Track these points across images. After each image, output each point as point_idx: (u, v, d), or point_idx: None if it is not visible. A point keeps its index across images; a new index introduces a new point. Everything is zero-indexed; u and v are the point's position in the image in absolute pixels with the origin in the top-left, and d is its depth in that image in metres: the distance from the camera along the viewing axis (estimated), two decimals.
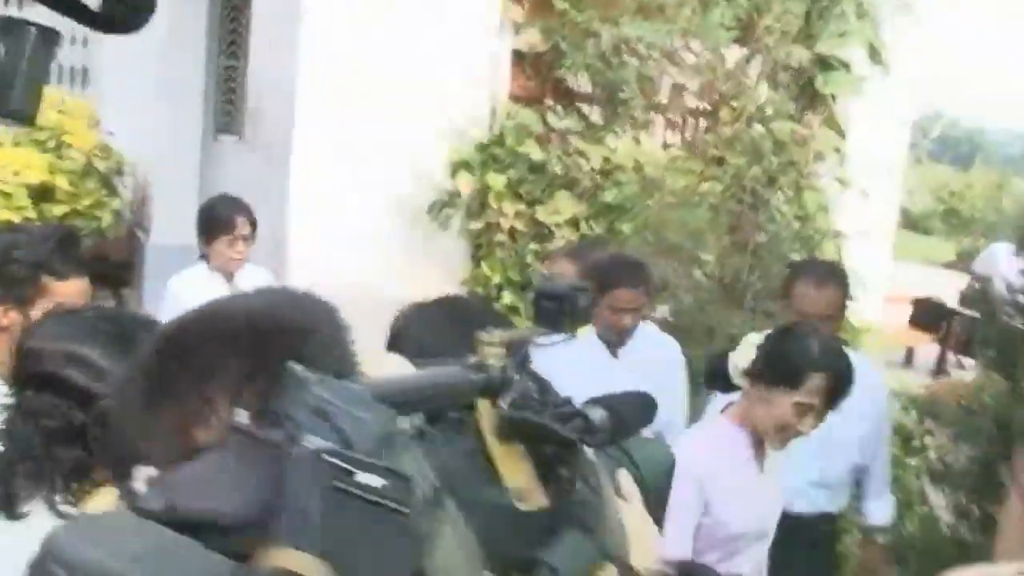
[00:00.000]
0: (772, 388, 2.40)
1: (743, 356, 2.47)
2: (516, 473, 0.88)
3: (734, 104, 6.54)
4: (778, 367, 2.40)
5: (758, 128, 6.37)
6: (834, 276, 3.14)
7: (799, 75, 6.76)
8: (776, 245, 5.71)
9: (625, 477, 1.11)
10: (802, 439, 2.61)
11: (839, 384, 2.41)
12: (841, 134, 6.89)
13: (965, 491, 4.59)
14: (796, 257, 5.95)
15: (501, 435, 0.90)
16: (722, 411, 2.65)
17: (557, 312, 1.10)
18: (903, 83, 7.75)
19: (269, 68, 7.02)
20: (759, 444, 2.56)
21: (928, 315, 9.30)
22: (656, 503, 1.17)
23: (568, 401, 1.01)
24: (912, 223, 20.65)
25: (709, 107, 6.77)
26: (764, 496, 2.61)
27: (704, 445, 2.56)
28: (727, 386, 2.57)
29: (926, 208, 22.44)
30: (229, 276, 4.11)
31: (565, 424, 0.96)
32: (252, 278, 4.05)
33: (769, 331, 2.53)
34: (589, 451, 0.96)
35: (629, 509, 1.05)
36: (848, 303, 3.31)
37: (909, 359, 10.08)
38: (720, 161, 6.15)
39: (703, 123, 6.85)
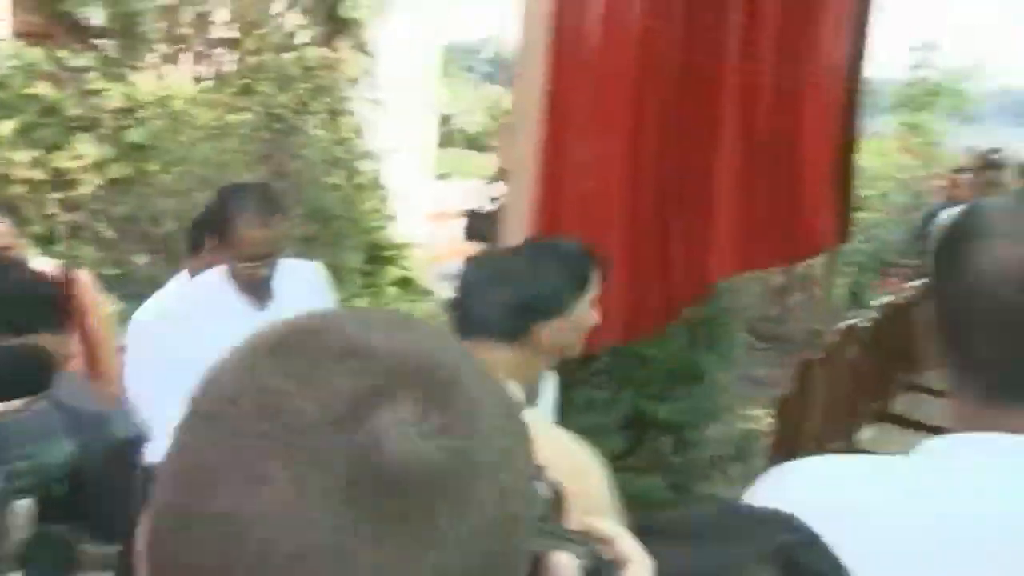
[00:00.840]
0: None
1: None
2: None
3: (261, 32, 6.45)
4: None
5: (287, 55, 6.34)
6: (275, 206, 2.72)
7: (324, 1, 6.80)
8: (312, 170, 5.75)
9: None
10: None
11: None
12: (371, 57, 7.04)
13: None
14: (335, 180, 6.05)
15: None
16: None
17: None
18: (431, 6, 8.04)
19: None
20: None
21: (482, 226, 9.85)
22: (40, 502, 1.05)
23: None
24: (472, 142, 21.73)
25: (237, 36, 6.62)
26: None
27: None
28: None
29: (484, 127, 23.67)
30: None
31: None
32: None
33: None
34: None
35: None
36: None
37: None
38: (249, 91, 6.05)
39: (231, 54, 6.68)
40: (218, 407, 0.47)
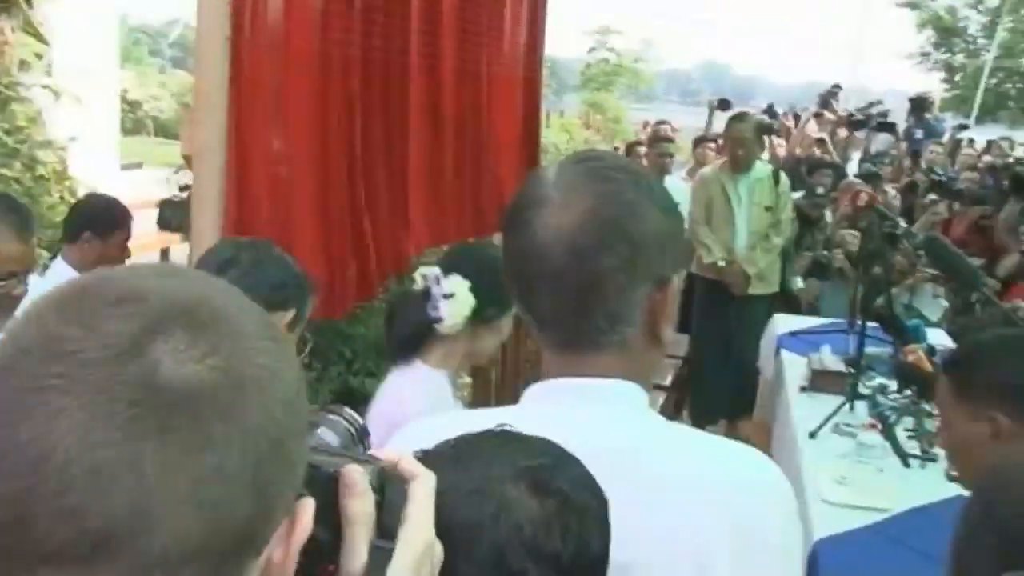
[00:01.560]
0: (503, 315, 2.26)
1: (465, 303, 2.19)
2: None
3: None
4: (504, 292, 2.23)
5: None
6: (27, 216, 2.42)
7: None
8: None
9: None
10: None
11: None
12: (43, 41, 6.61)
13: None
14: (11, 173, 5.65)
15: None
16: (410, 361, 2.27)
17: None
18: None
19: None
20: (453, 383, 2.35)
21: (174, 216, 9.52)
22: None
23: None
24: (162, 129, 20.86)
25: None
26: None
27: (411, 391, 2.22)
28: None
29: (175, 113, 22.78)
30: None
31: None
32: None
33: (450, 272, 2.22)
34: None
35: None
36: None
37: (166, 259, 10.29)
38: None
39: None
40: (14, 358, 0.54)
